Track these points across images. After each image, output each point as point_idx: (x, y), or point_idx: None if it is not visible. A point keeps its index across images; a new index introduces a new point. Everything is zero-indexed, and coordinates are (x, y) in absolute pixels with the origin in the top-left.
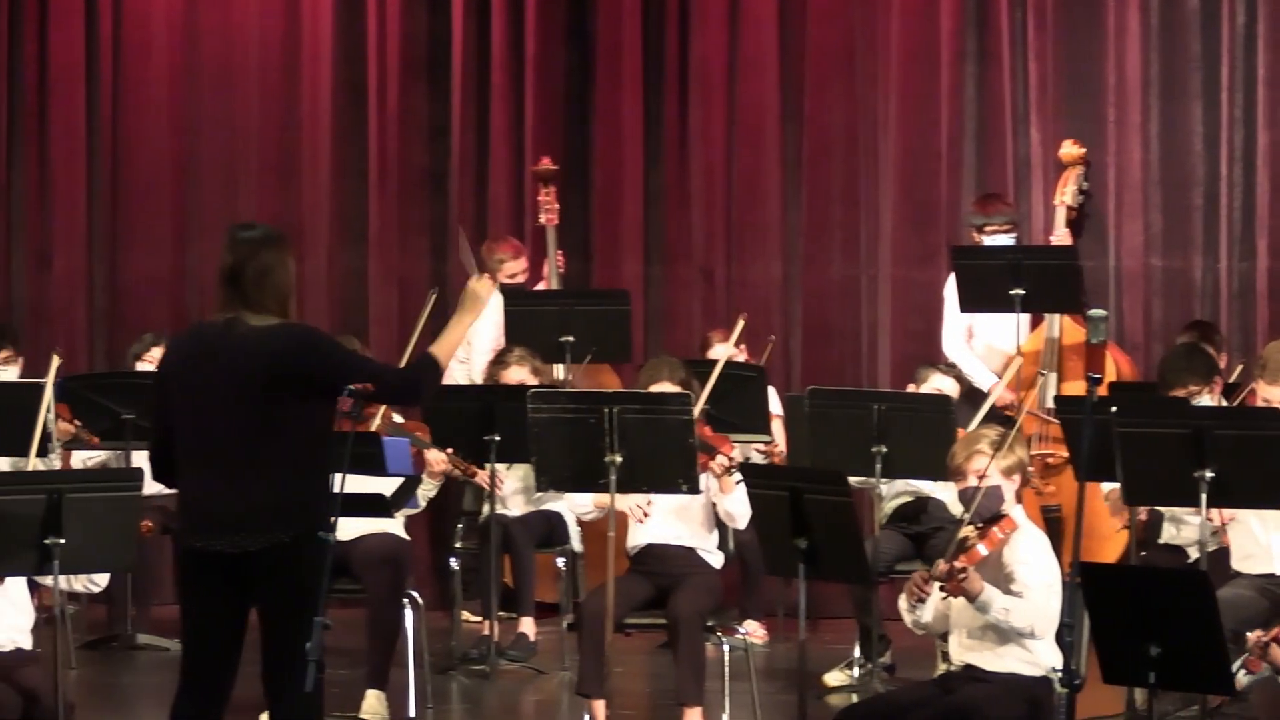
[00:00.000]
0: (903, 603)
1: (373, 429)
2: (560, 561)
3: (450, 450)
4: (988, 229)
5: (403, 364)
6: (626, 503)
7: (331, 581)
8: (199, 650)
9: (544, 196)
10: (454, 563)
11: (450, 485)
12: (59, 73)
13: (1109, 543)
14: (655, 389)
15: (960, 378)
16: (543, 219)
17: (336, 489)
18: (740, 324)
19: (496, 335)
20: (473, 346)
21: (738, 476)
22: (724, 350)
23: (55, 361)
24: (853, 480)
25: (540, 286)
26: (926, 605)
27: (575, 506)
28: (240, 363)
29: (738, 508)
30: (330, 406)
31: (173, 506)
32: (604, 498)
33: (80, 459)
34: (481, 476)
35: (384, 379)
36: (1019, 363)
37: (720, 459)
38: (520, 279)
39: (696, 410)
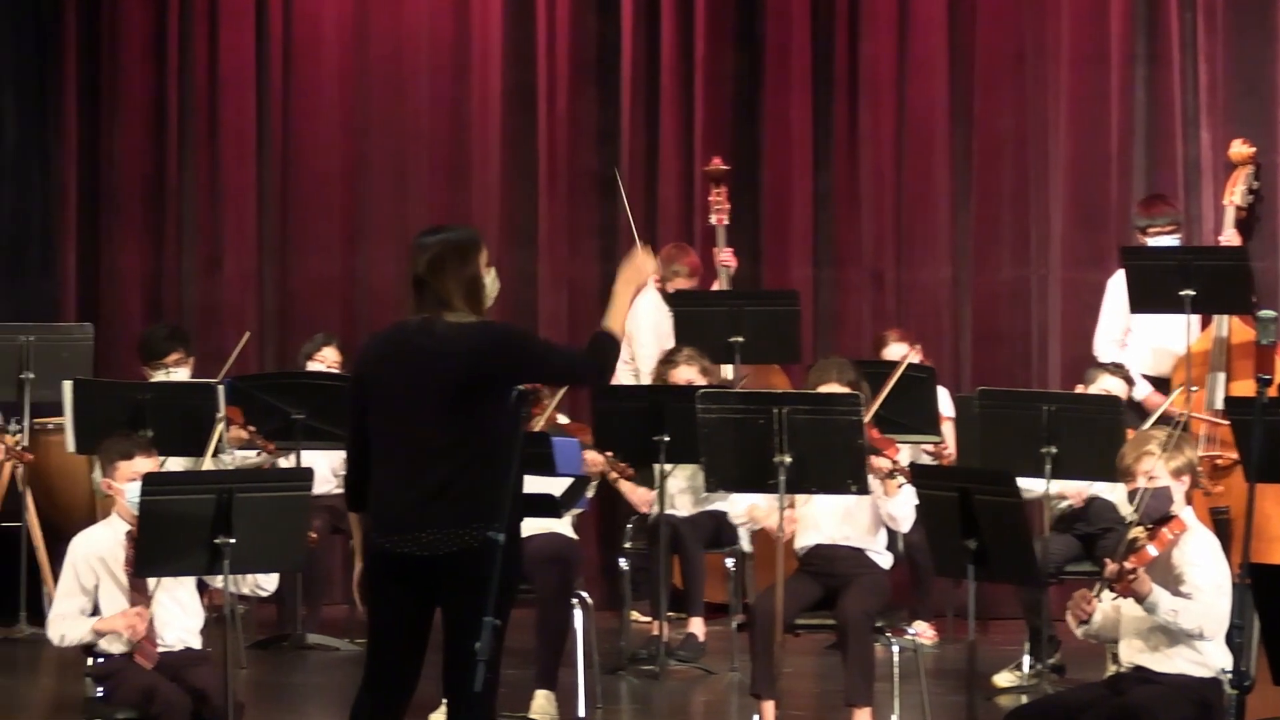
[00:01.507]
0: (1069, 618)
1: (536, 430)
2: (729, 562)
3: (609, 454)
4: (1151, 230)
5: None
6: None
7: (506, 582)
8: (384, 649)
9: (715, 196)
10: (623, 563)
11: (604, 485)
12: (230, 75)
13: (1278, 544)
14: (824, 390)
15: (1129, 379)
16: (713, 219)
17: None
18: None
19: (659, 337)
20: (635, 349)
21: (900, 480)
22: (899, 350)
23: (244, 338)
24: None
25: (713, 287)
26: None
27: (733, 515)
28: (437, 361)
29: (901, 510)
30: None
31: (342, 506)
32: (757, 508)
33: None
34: (629, 488)
35: (576, 367)
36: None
37: (882, 462)
38: (689, 285)
39: (870, 412)
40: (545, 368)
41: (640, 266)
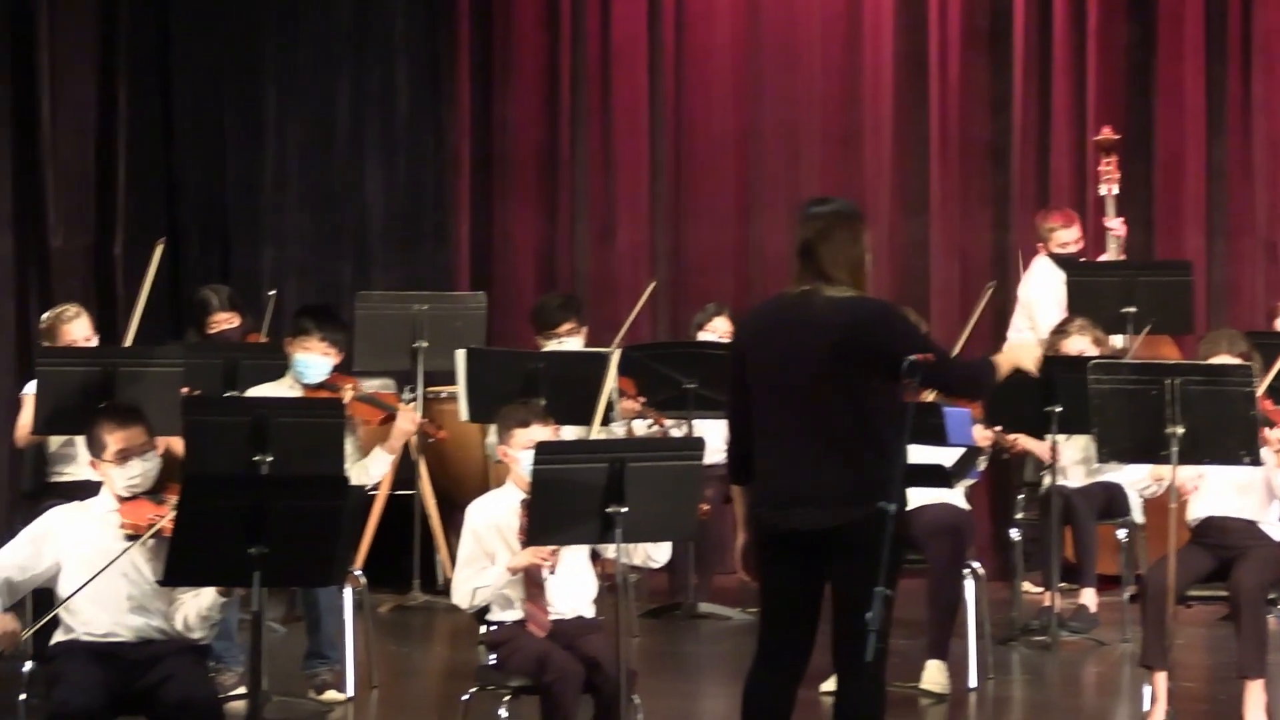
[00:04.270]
0: None
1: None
2: (1121, 533)
3: (997, 428)
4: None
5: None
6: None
7: (901, 552)
8: (776, 622)
9: (1105, 165)
10: (1015, 534)
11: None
12: (622, 45)
13: None
14: (1215, 361)
15: None
16: (1103, 188)
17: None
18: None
19: (1058, 307)
20: (1036, 318)
21: None
22: None
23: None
24: None
25: (1103, 257)
26: None
27: (1133, 482)
28: (816, 334)
29: None
30: (898, 381)
31: None
32: (1161, 469)
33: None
34: (1029, 444)
35: (950, 365)
36: None
37: (1275, 434)
38: (1073, 248)
39: (1264, 384)
40: (908, 353)
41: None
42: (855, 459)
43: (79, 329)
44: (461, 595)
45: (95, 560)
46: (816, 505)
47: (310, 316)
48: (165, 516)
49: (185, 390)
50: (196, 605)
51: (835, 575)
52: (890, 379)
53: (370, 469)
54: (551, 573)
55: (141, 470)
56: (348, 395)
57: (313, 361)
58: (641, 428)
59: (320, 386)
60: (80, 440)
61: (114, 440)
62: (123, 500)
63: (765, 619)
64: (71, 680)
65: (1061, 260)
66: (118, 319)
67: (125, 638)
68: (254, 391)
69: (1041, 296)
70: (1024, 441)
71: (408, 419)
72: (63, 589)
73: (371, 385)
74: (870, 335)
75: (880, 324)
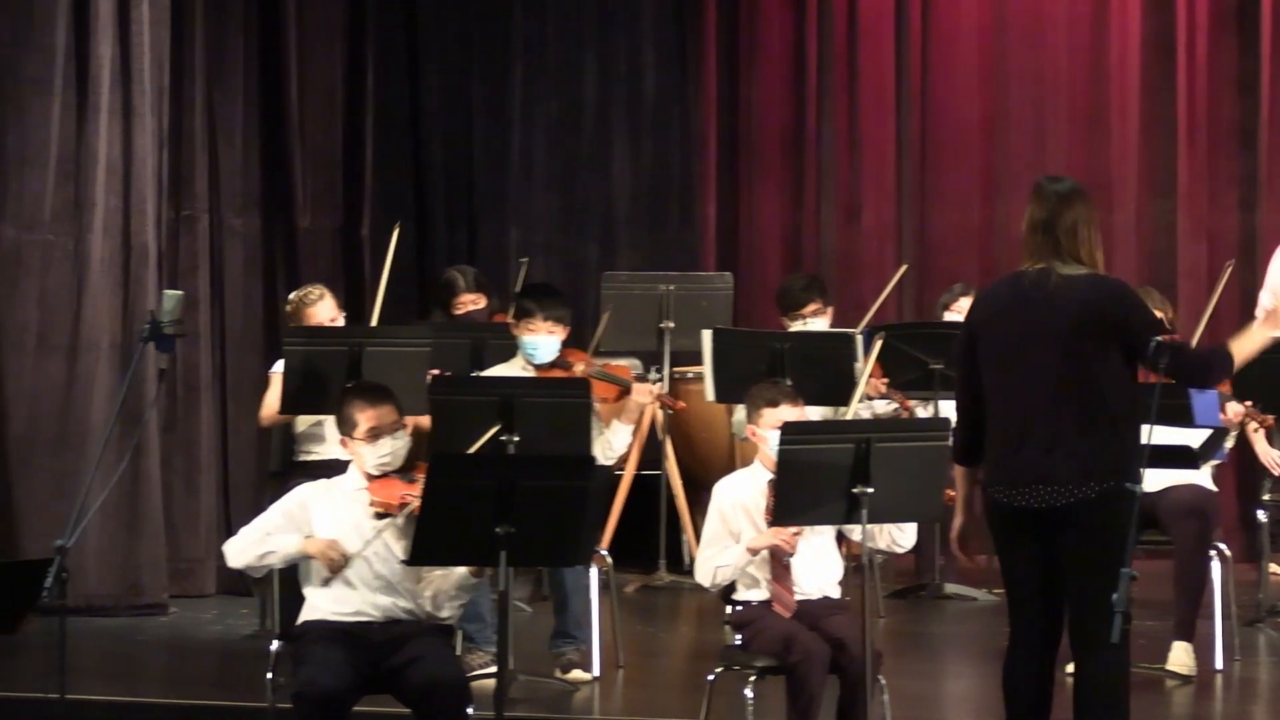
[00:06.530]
0: None
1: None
2: None
3: (1249, 403)
4: None
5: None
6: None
7: (1139, 533)
8: (1021, 604)
9: None
10: (1261, 515)
11: (1242, 437)
12: (869, 24)
13: None
14: None
15: None
16: None
17: (1144, 441)
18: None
19: None
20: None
21: None
22: None
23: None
24: None
25: None
26: None
27: None
28: (1051, 313)
29: None
30: (1132, 361)
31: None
32: None
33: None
34: (1262, 448)
35: (1184, 351)
36: None
37: None
38: None
39: None
40: (1152, 332)
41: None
42: (1090, 437)
43: (324, 310)
44: (704, 573)
45: (346, 538)
46: (1053, 483)
47: (531, 297)
48: (417, 495)
49: (434, 372)
50: (446, 585)
51: (1070, 554)
52: (1124, 357)
53: (613, 442)
54: (791, 554)
55: (392, 449)
56: (579, 371)
57: (540, 342)
58: (882, 408)
59: (552, 365)
60: (328, 420)
61: (365, 419)
62: (372, 478)
63: (1010, 601)
64: (318, 660)
65: None
66: (365, 300)
67: (373, 617)
68: (488, 374)
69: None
70: (1259, 448)
71: (643, 392)
72: (309, 564)
73: (617, 364)
74: (1109, 313)
75: (1119, 301)
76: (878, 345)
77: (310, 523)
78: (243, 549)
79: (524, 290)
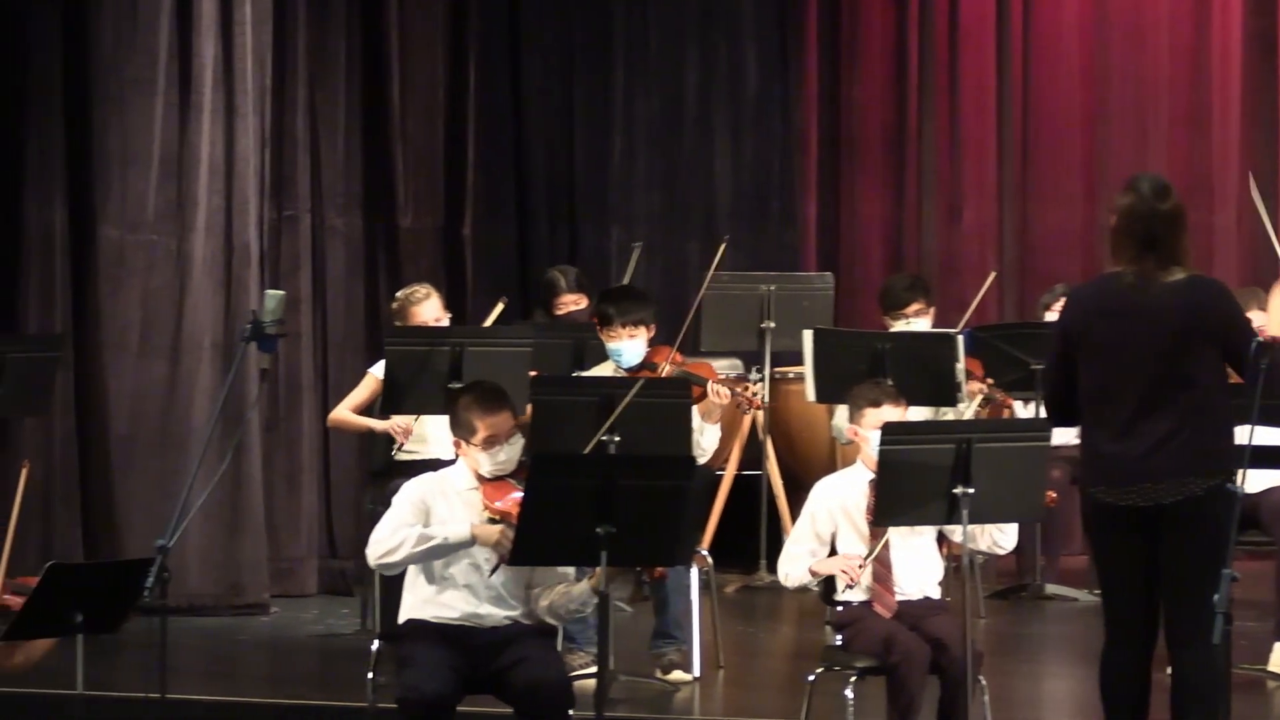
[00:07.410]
0: None
1: None
2: None
3: None
4: None
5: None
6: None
7: (1240, 533)
8: (1118, 602)
9: None
10: None
11: None
12: (970, 24)
13: None
14: None
15: None
16: None
17: (1245, 441)
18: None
19: None
20: None
21: None
22: None
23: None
24: None
25: None
26: None
27: None
28: (1153, 315)
29: None
30: (1231, 361)
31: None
32: None
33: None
34: None
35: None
36: None
37: None
38: None
39: None
40: (1248, 334)
41: None
42: (1189, 437)
43: (429, 309)
44: (781, 572)
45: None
46: (1154, 480)
47: (610, 303)
48: None
49: (534, 374)
50: (567, 598)
51: (1170, 552)
52: (1222, 357)
53: (701, 443)
54: (852, 585)
55: (508, 455)
56: (664, 372)
57: (624, 348)
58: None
59: (640, 367)
60: (428, 420)
61: (483, 426)
62: (484, 480)
63: (1107, 599)
64: (421, 663)
65: None
66: (466, 300)
67: (479, 624)
68: (588, 374)
69: None
70: None
71: (716, 391)
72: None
73: (719, 366)
74: (1213, 314)
75: (1221, 302)
76: (960, 346)
77: (431, 517)
78: (400, 544)
79: (602, 295)
